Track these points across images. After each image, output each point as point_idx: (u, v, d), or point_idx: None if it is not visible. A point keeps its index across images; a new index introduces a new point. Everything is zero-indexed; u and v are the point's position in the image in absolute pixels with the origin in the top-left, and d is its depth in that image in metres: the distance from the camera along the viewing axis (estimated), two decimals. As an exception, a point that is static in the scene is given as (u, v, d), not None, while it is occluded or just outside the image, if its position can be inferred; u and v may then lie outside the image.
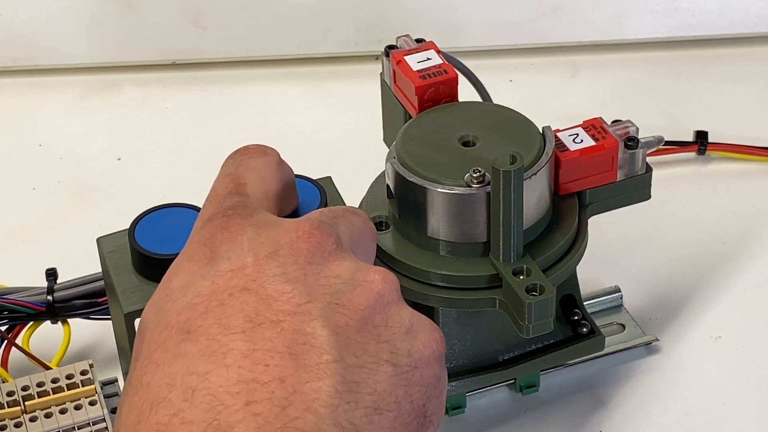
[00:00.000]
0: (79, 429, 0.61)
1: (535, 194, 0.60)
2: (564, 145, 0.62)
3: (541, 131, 0.62)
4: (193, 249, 0.51)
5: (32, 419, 0.61)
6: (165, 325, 0.48)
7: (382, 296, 0.50)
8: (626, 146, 0.63)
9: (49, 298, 0.67)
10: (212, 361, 0.46)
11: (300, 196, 0.59)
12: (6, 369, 0.65)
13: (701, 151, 0.82)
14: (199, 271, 0.50)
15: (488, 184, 0.59)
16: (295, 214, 0.58)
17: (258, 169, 0.55)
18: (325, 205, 0.59)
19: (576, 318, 0.66)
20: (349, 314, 0.48)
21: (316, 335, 0.47)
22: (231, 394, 0.45)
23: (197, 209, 0.60)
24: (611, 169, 0.63)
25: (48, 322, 0.67)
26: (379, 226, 0.62)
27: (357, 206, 0.64)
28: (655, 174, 0.64)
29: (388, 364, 0.48)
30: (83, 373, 0.63)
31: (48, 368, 0.65)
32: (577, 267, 0.63)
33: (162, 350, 0.47)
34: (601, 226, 0.67)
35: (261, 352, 0.46)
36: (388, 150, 0.62)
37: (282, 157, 0.80)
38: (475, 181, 0.59)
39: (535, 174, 0.59)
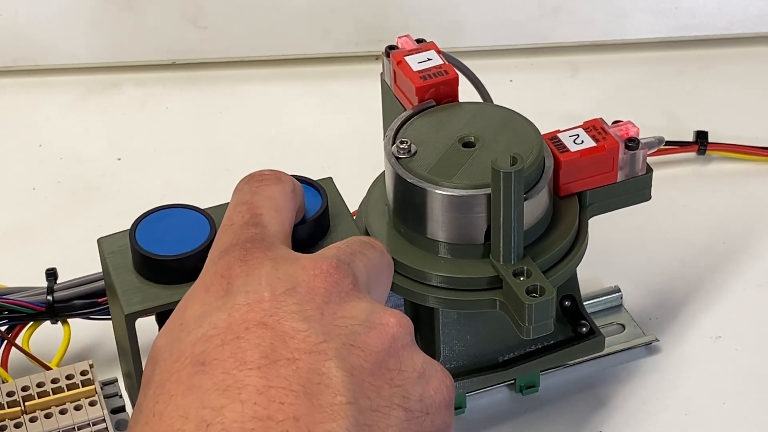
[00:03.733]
0: (79, 429, 0.61)
1: (535, 208, 0.60)
2: (564, 146, 0.62)
3: (540, 133, 0.62)
4: (209, 279, 0.51)
5: (32, 419, 0.61)
6: (179, 355, 0.48)
7: (396, 340, 0.50)
8: (627, 147, 0.63)
9: (49, 298, 0.67)
10: (227, 395, 0.45)
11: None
12: (6, 369, 0.65)
13: (701, 151, 0.82)
14: (216, 303, 0.49)
15: (414, 154, 0.59)
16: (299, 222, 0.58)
17: (274, 199, 0.55)
18: (326, 207, 0.59)
19: (576, 318, 0.66)
20: (364, 356, 0.48)
21: (331, 375, 0.47)
22: (245, 430, 0.44)
23: (199, 210, 0.60)
24: (612, 170, 0.63)
25: (48, 322, 0.67)
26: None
27: (357, 207, 0.64)
28: (655, 174, 0.64)
29: (401, 408, 0.48)
30: (83, 373, 0.63)
31: (48, 368, 0.65)
32: (577, 267, 0.63)
33: (175, 380, 0.47)
34: (601, 227, 0.67)
35: (276, 389, 0.46)
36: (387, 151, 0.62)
37: (282, 156, 0.80)
38: (401, 152, 0.59)
39: (535, 197, 0.60)
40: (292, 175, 0.61)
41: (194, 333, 0.48)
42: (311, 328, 0.48)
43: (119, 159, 0.85)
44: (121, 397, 0.64)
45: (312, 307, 0.49)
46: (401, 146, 0.60)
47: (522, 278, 0.59)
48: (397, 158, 0.61)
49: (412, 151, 0.60)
